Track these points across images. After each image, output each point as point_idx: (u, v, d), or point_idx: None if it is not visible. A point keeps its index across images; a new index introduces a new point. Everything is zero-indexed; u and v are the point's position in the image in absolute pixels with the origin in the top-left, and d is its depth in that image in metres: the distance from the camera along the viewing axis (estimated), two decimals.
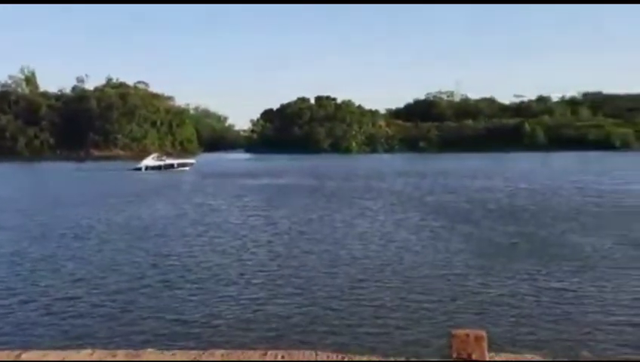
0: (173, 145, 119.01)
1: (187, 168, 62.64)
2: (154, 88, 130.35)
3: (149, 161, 62.66)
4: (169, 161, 63.80)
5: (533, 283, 11.74)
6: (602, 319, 9.37)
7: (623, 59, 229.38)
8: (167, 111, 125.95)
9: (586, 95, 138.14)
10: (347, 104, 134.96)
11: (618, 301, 10.37)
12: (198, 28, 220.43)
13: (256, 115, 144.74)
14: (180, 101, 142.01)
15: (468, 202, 26.92)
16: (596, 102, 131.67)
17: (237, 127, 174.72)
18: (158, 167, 60.69)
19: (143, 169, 59.56)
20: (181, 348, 5.36)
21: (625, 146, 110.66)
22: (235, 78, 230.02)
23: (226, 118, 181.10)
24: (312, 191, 34.39)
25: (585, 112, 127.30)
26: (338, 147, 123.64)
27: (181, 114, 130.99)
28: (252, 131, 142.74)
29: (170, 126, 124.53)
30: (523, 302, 10.44)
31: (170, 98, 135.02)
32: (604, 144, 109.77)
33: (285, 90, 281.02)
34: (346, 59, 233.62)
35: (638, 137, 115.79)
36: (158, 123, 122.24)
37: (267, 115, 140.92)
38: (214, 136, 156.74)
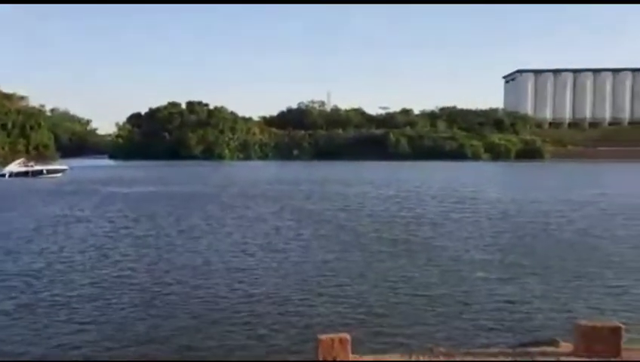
0: (27, 149, 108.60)
1: (59, 175, 57.19)
2: (4, 88, 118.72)
3: (14, 166, 56.55)
4: (38, 167, 58.01)
5: (394, 283, 12.50)
6: (454, 314, 10.24)
7: (474, 79, 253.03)
8: (19, 112, 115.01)
9: (443, 109, 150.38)
10: (220, 110, 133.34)
11: (471, 297, 11.40)
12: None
13: (122, 119, 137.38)
14: (35, 102, 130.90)
15: (341, 210, 27.88)
16: (452, 116, 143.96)
17: (101, 131, 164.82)
18: (25, 174, 55.00)
19: (7, 176, 53.67)
20: None
21: (476, 157, 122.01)
22: (97, 78, 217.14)
23: (88, 122, 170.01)
24: (183, 199, 33.42)
25: (442, 125, 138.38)
26: (211, 153, 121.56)
27: (35, 116, 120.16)
28: (117, 136, 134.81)
29: (23, 129, 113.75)
30: (386, 302, 11.06)
31: (23, 98, 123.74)
32: (458, 154, 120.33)
33: (153, 93, 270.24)
34: (221, 63, 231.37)
35: (486, 149, 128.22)
36: (9, 125, 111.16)
37: (134, 119, 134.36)
38: (75, 141, 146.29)
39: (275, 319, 10.04)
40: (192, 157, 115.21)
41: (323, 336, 4.18)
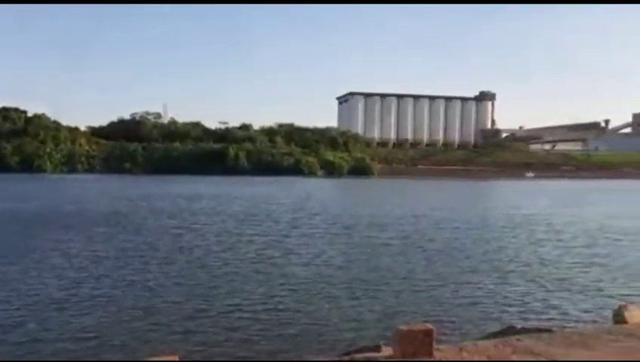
0: None
1: None
2: None
3: None
4: None
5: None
6: (289, 326, 10.42)
7: (311, 98, 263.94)
8: None
9: (281, 126, 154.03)
10: (40, 118, 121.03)
11: (303, 309, 11.69)
12: None
13: None
14: None
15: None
16: (290, 133, 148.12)
17: None
18: None
19: None
20: None
21: (312, 173, 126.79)
22: None
23: None
24: None
25: (280, 141, 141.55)
26: (29, 166, 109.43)
27: None
28: None
29: None
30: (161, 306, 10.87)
31: None
32: (296, 170, 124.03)
33: None
34: (47, 70, 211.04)
35: (322, 166, 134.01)
36: None
37: None
38: None
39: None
40: (7, 169, 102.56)
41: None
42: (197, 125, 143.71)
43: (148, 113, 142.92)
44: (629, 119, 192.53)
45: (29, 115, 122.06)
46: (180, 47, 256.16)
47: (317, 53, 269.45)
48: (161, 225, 27.08)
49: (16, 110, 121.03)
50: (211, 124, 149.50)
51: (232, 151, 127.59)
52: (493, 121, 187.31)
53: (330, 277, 15.03)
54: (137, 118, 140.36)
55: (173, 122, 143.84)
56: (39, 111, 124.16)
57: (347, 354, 5.09)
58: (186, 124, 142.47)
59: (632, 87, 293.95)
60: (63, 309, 11.59)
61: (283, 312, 11.47)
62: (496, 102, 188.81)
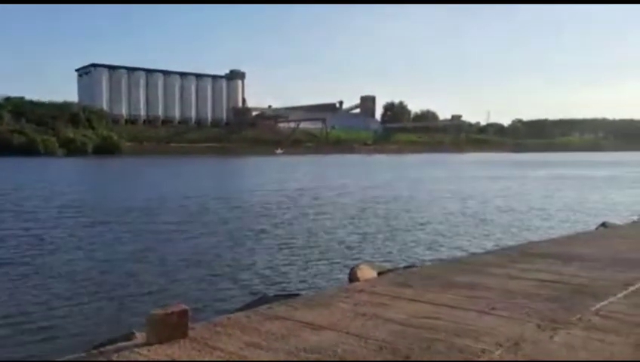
0: None
1: None
2: None
3: None
4: None
5: None
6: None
7: (46, 69, 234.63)
8: None
9: (8, 99, 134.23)
10: None
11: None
12: None
13: None
14: None
15: None
16: (19, 108, 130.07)
17: None
18: None
19: None
20: None
21: (50, 153, 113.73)
22: None
23: None
24: None
25: (8, 117, 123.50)
26: None
27: None
28: None
29: None
30: None
31: None
32: (30, 150, 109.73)
33: None
34: None
35: (62, 144, 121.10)
36: None
37: None
38: None
39: None
40: None
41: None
42: None
43: None
44: (358, 101, 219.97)
45: None
46: None
47: (52, 20, 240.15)
48: None
49: None
50: None
51: None
52: (244, 100, 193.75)
53: (66, 271, 13.79)
54: None
55: None
56: None
57: (98, 346, 4.74)
58: None
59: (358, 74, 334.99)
60: None
61: (23, 312, 10.12)
62: (246, 82, 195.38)
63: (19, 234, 18.63)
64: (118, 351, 4.06)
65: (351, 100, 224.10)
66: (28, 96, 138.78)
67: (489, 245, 16.27)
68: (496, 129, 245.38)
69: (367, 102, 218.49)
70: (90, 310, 10.34)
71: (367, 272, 7.61)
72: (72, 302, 10.88)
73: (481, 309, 5.07)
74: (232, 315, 5.08)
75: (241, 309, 6.51)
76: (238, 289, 11.66)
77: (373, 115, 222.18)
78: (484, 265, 7.29)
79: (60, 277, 12.91)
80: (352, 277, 7.47)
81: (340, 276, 12.13)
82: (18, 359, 7.92)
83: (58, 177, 51.05)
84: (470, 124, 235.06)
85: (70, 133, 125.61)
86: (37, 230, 19.63)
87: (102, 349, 4.22)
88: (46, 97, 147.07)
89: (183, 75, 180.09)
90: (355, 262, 11.45)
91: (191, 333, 4.28)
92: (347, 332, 4.41)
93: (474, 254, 12.15)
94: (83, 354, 4.27)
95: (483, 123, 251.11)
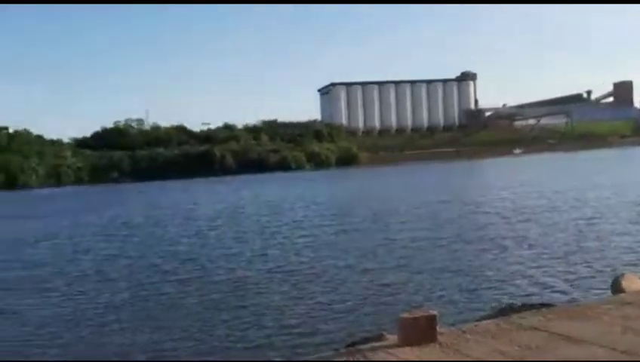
0: None
1: None
2: None
3: None
4: None
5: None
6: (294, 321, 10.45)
7: (292, 91, 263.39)
8: None
9: (265, 122, 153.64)
10: (22, 134, 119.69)
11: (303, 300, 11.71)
12: None
13: None
14: None
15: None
16: (273, 129, 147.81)
17: None
18: None
19: None
20: None
21: (299, 167, 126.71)
22: None
23: None
24: None
25: (265, 138, 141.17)
26: (13, 182, 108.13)
27: None
28: None
29: None
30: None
31: None
32: (283, 166, 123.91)
33: None
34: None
35: (308, 159, 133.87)
36: None
37: None
38: None
39: None
40: None
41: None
42: (180, 128, 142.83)
43: (130, 120, 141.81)
44: (611, 89, 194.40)
45: (11, 131, 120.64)
46: (155, 50, 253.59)
47: (293, 48, 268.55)
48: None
49: None
50: (194, 126, 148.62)
51: (217, 152, 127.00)
52: (476, 101, 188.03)
53: (320, 270, 15.08)
54: (121, 126, 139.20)
55: (156, 127, 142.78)
56: (20, 128, 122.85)
57: (351, 344, 5.12)
58: (169, 129, 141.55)
59: (610, 58, 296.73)
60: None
61: (275, 307, 11.47)
62: (477, 82, 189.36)
63: (294, 240, 21.23)
64: (373, 350, 4.32)
65: (602, 88, 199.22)
66: (280, 118, 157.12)
67: None
68: None
69: (623, 88, 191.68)
70: (344, 309, 11.18)
71: (635, 282, 6.69)
72: (328, 300, 11.91)
73: None
74: (480, 322, 4.98)
75: (488, 317, 6.33)
76: (483, 297, 11.33)
77: (631, 103, 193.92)
78: None
79: (316, 277, 14.25)
80: (616, 288, 6.64)
81: (599, 287, 10.88)
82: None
83: (315, 189, 56.41)
84: None
85: (315, 147, 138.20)
86: (303, 236, 22.07)
87: (358, 347, 4.54)
88: (293, 117, 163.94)
89: (413, 82, 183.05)
90: (614, 273, 10.18)
91: (440, 338, 4.33)
92: (614, 349, 3.94)
93: None
94: (343, 351, 4.66)
95: None
